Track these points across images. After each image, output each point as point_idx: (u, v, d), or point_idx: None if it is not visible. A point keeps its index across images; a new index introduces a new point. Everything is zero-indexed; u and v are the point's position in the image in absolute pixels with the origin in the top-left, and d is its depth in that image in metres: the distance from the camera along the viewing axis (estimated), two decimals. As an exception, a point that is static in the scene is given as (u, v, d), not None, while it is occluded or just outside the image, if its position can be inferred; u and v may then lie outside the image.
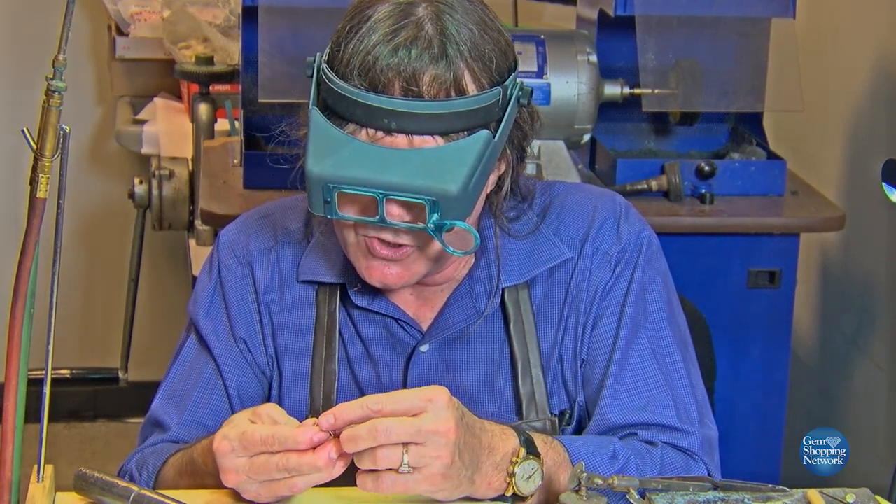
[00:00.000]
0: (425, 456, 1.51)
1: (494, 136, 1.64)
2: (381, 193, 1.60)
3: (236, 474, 1.56)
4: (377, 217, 1.62)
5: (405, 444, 1.51)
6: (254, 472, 1.54)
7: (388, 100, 1.61)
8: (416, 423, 1.51)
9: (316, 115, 1.64)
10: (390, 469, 1.51)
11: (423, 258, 1.71)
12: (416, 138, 1.62)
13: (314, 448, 1.53)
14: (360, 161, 1.61)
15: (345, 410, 1.53)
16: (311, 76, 1.67)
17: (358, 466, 1.53)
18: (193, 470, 1.70)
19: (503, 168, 1.75)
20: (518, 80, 1.70)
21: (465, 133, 1.63)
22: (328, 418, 1.53)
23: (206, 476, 1.63)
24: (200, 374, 1.84)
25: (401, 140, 1.62)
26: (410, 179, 1.60)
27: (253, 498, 1.57)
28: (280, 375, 1.85)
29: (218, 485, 1.61)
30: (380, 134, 1.63)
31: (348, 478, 1.56)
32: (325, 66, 1.66)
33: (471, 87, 1.64)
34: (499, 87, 1.65)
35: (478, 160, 1.62)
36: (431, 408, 1.52)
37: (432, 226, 1.62)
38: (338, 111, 1.64)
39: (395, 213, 1.64)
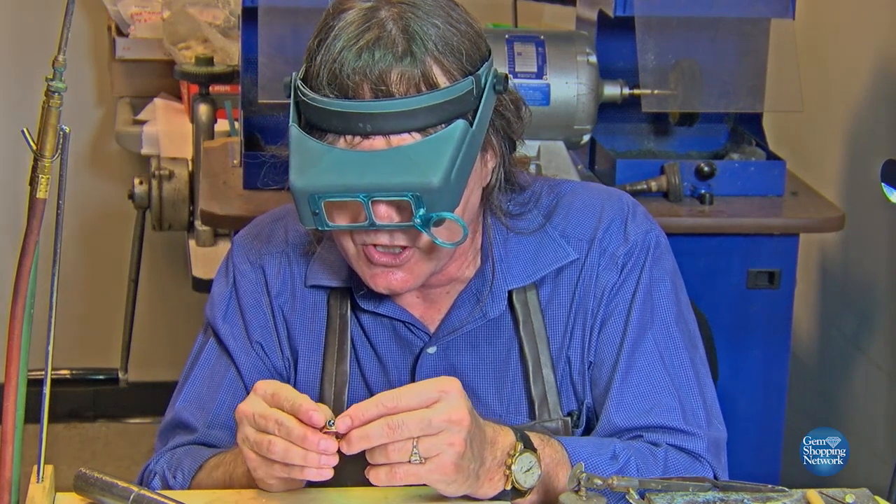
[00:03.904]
0: (438, 444, 1.52)
1: (472, 125, 1.65)
2: (365, 196, 1.61)
3: (250, 409, 1.57)
4: (367, 221, 1.63)
5: (416, 437, 1.52)
6: (258, 416, 1.56)
7: (360, 103, 1.62)
8: (427, 414, 1.52)
9: (294, 131, 1.65)
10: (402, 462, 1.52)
11: (424, 258, 1.71)
12: (394, 137, 1.63)
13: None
14: (340, 168, 1.62)
15: (361, 411, 1.53)
16: (289, 96, 1.68)
17: (370, 462, 1.54)
18: (234, 457, 1.71)
19: (492, 160, 1.75)
20: (493, 67, 1.70)
21: (442, 126, 1.63)
22: (345, 420, 1.53)
23: (242, 463, 1.64)
24: (223, 377, 1.86)
25: (378, 142, 1.63)
26: (391, 178, 1.60)
27: (241, 441, 1.59)
28: (295, 376, 1.86)
29: (248, 478, 1.63)
30: (357, 139, 1.63)
31: (353, 478, 1.57)
32: (299, 82, 1.67)
33: (441, 80, 1.64)
34: (471, 77, 1.66)
35: (457, 150, 1.62)
36: (445, 398, 1.54)
37: (419, 220, 1.62)
38: (315, 123, 1.65)
39: (383, 215, 1.64)
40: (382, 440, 1.52)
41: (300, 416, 1.54)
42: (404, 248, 1.70)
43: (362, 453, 1.54)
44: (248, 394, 1.81)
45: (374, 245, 1.69)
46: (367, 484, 1.56)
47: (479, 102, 1.67)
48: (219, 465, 1.75)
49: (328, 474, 1.54)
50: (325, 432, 1.54)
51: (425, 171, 1.60)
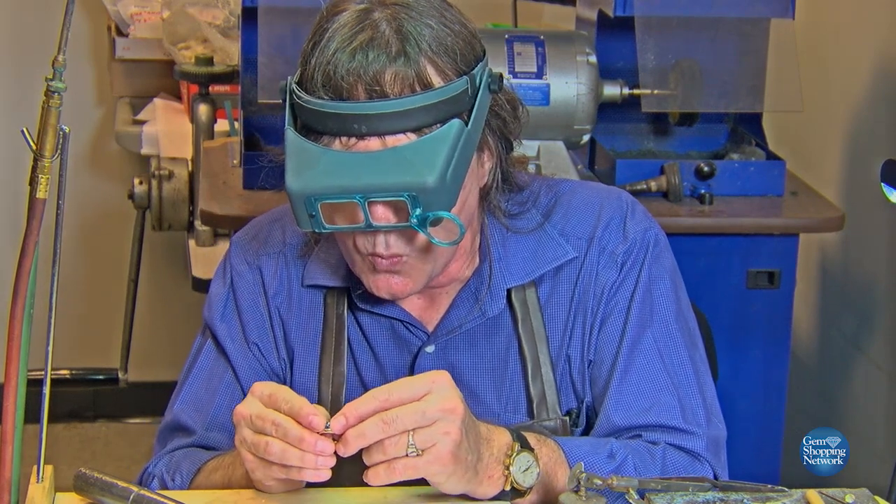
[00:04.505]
0: (434, 434, 1.53)
1: (467, 125, 1.64)
2: (361, 197, 1.61)
3: (247, 411, 1.58)
4: (364, 223, 1.63)
5: (411, 430, 1.52)
6: (255, 417, 1.57)
7: (354, 104, 1.62)
8: (420, 406, 1.53)
9: (290, 135, 1.65)
10: (400, 456, 1.52)
11: (423, 261, 1.71)
12: (389, 138, 1.63)
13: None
14: (336, 170, 1.62)
15: (354, 408, 1.54)
16: (285, 100, 1.68)
17: (367, 463, 1.54)
18: (233, 460, 1.71)
19: (489, 160, 1.75)
20: (488, 67, 1.70)
21: (437, 125, 1.63)
22: (340, 420, 1.53)
23: (240, 465, 1.64)
24: (221, 379, 1.86)
25: (374, 142, 1.63)
26: (387, 178, 1.60)
27: (239, 443, 1.59)
28: (291, 377, 1.86)
29: (246, 480, 1.62)
30: (353, 140, 1.63)
31: (357, 478, 1.57)
32: (294, 86, 1.67)
33: (436, 80, 1.64)
34: (465, 77, 1.66)
35: (452, 149, 1.62)
36: (436, 388, 1.54)
37: (415, 220, 1.62)
38: (310, 126, 1.65)
39: (380, 215, 1.64)
40: (378, 436, 1.52)
41: (300, 419, 1.54)
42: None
43: (361, 452, 1.54)
44: (245, 395, 1.81)
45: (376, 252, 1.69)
46: (366, 484, 1.56)
47: (474, 102, 1.67)
48: (217, 468, 1.75)
49: (326, 475, 1.54)
50: (321, 434, 1.54)
51: (421, 170, 1.60)
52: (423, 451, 1.52)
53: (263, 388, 1.59)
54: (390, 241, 1.68)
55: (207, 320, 1.89)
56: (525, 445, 1.64)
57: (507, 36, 2.99)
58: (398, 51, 1.62)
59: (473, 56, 1.68)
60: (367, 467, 1.54)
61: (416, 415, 1.52)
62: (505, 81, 1.73)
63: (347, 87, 1.62)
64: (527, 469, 1.62)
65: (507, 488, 1.62)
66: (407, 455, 1.52)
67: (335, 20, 1.66)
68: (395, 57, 1.62)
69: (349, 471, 1.57)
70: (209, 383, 1.86)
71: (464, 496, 1.61)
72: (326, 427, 1.54)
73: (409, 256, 1.70)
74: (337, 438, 1.53)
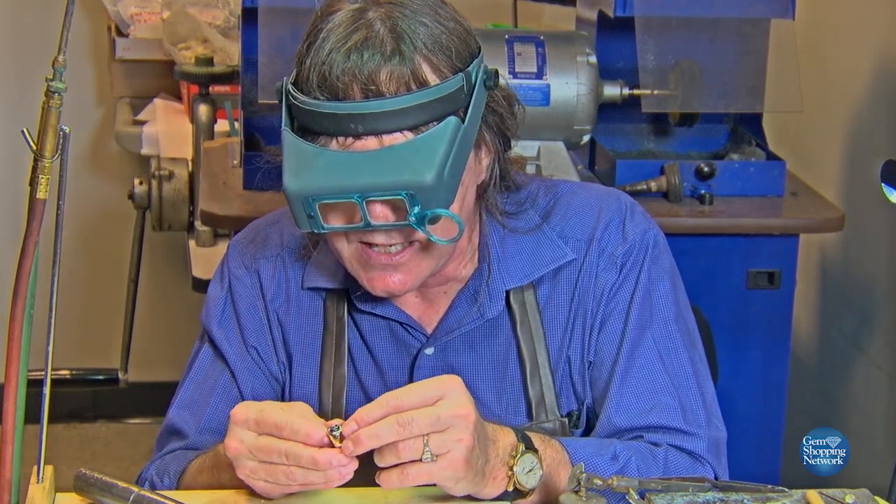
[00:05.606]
0: (448, 441, 1.52)
1: (464, 122, 1.65)
2: (359, 197, 1.61)
3: (240, 445, 1.56)
4: (362, 222, 1.63)
5: (426, 434, 1.51)
6: (256, 450, 1.55)
7: (350, 104, 1.62)
8: (435, 410, 1.52)
9: (287, 136, 1.65)
10: (413, 461, 1.52)
11: (422, 257, 1.71)
12: (386, 137, 1.63)
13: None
14: (333, 170, 1.62)
15: (366, 414, 1.53)
16: (282, 101, 1.68)
17: (379, 465, 1.53)
18: (215, 463, 1.70)
19: (486, 157, 1.75)
20: (483, 64, 1.70)
21: (434, 123, 1.63)
22: (351, 426, 1.53)
23: (225, 469, 1.63)
24: (216, 382, 1.85)
25: (371, 142, 1.63)
26: (384, 177, 1.60)
27: (246, 476, 1.57)
28: (290, 380, 1.85)
29: (235, 482, 1.61)
30: (350, 140, 1.63)
31: (359, 479, 1.57)
32: (290, 87, 1.67)
33: (431, 78, 1.64)
34: (461, 74, 1.66)
35: (449, 146, 1.62)
36: (449, 394, 1.54)
37: (414, 218, 1.62)
38: (307, 126, 1.65)
39: (378, 214, 1.64)
40: (392, 438, 1.51)
41: (308, 443, 1.52)
42: (404, 246, 1.69)
43: (363, 454, 1.54)
44: (241, 398, 1.81)
45: (371, 245, 1.69)
46: (365, 484, 1.56)
47: (470, 99, 1.67)
48: (202, 470, 1.74)
49: (349, 477, 1.54)
50: (329, 435, 1.53)
51: (418, 168, 1.60)
52: (437, 456, 1.52)
53: (246, 413, 1.57)
54: (390, 233, 1.68)
55: (205, 324, 1.88)
56: (529, 446, 1.63)
57: (507, 36, 2.99)
58: (393, 49, 1.63)
59: (468, 53, 1.69)
60: (374, 468, 1.54)
61: (431, 419, 1.52)
62: (501, 78, 1.73)
63: (343, 87, 1.62)
64: (530, 470, 1.62)
65: (510, 489, 1.62)
66: (422, 460, 1.52)
67: (329, 20, 1.66)
68: (389, 56, 1.62)
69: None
70: (204, 386, 1.86)
71: (466, 496, 1.61)
72: (334, 429, 1.53)
73: (412, 251, 1.70)
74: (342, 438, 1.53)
